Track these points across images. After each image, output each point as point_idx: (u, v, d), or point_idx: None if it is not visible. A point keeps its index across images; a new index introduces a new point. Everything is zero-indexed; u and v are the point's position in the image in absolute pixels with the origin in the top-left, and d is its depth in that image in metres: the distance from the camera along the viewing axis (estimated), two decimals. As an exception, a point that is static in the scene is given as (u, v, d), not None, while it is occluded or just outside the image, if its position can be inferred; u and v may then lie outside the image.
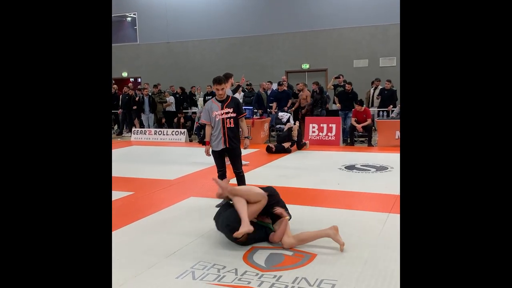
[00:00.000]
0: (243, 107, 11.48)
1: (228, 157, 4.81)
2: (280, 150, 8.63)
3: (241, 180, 4.80)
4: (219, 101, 4.66)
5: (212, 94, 12.61)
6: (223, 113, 4.61)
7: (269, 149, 8.62)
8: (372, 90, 11.29)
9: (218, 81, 4.58)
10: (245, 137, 4.89)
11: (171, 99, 13.33)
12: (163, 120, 12.51)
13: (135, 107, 12.87)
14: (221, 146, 4.65)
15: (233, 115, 4.64)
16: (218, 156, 4.76)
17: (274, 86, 12.40)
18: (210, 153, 4.79)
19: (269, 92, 11.87)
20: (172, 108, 13.27)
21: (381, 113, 10.47)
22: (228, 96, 4.70)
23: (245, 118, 11.31)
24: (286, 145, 8.79)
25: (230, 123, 4.63)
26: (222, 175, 4.84)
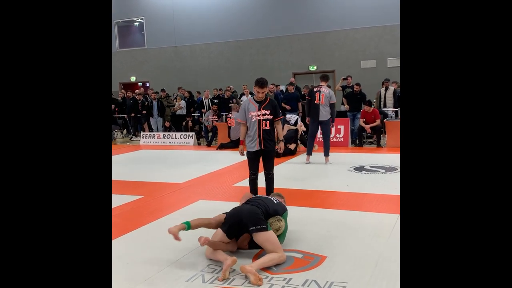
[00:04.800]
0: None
1: (262, 158, 4.71)
2: (287, 153, 8.57)
3: (269, 183, 4.72)
4: (257, 102, 4.58)
5: (219, 97, 12.71)
6: (260, 114, 4.52)
7: (277, 154, 8.57)
8: (383, 91, 11.17)
9: (261, 84, 4.46)
10: (279, 140, 4.74)
11: (182, 103, 13.34)
12: (167, 124, 12.55)
13: (144, 112, 12.97)
14: (255, 148, 4.58)
15: (270, 117, 4.55)
16: (253, 158, 4.66)
17: (282, 88, 12.40)
18: (244, 154, 4.71)
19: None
20: (183, 111, 13.29)
21: (390, 113, 10.40)
22: (266, 97, 4.61)
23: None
24: (292, 146, 8.73)
25: (266, 125, 4.54)
26: (255, 178, 4.72)
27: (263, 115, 4.52)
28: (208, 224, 3.45)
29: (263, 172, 4.75)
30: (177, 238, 3.22)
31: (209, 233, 3.44)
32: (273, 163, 4.75)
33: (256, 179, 4.75)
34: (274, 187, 4.74)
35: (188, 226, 3.34)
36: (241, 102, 11.97)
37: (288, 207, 3.84)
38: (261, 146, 4.56)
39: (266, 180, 4.74)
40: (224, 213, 3.48)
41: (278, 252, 3.15)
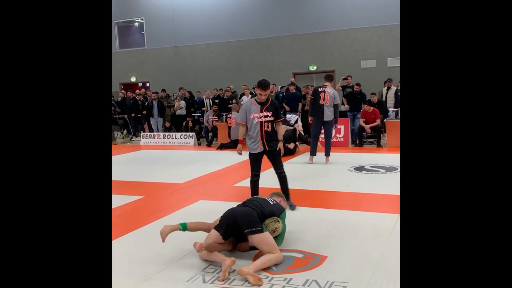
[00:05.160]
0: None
1: (268, 159, 4.67)
2: (286, 153, 8.50)
3: (282, 181, 4.67)
4: (259, 103, 4.54)
5: (219, 97, 12.72)
6: (262, 116, 4.48)
7: None
8: (385, 90, 11.17)
9: (263, 86, 4.40)
10: (279, 141, 4.70)
11: (182, 103, 13.36)
12: (168, 124, 12.57)
13: (144, 112, 12.97)
14: (258, 149, 4.54)
15: (271, 118, 4.50)
16: (256, 158, 4.62)
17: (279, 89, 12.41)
18: (242, 153, 4.71)
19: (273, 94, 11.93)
20: (183, 112, 13.30)
21: (390, 113, 10.40)
22: (268, 99, 4.56)
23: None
24: (291, 146, 8.70)
25: (267, 127, 4.49)
26: (256, 181, 4.68)
27: (265, 116, 4.48)
28: (207, 229, 3.45)
29: (262, 173, 4.73)
30: (163, 238, 3.29)
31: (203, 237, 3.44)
32: (281, 160, 4.69)
33: (257, 180, 4.71)
34: (276, 188, 4.69)
35: (184, 227, 3.36)
36: (242, 102, 11.98)
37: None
38: (265, 147, 4.53)
39: (279, 179, 4.68)
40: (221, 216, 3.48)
41: (275, 253, 3.15)
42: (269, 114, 4.50)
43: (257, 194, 4.64)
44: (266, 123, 4.50)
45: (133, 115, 13.45)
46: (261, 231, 3.18)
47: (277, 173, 4.69)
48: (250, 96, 12.28)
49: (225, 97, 12.50)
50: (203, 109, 12.65)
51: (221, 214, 3.56)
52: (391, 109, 10.67)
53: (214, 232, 3.28)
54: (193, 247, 3.52)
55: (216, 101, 12.55)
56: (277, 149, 4.63)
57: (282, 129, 4.68)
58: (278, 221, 3.40)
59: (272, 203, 3.54)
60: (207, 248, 3.22)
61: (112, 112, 13.81)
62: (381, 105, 10.33)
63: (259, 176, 4.72)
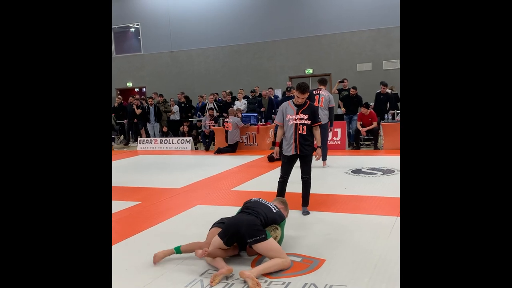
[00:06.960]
0: (247, 114, 11.43)
1: (299, 162, 4.63)
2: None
3: (306, 186, 4.65)
4: (296, 105, 4.50)
5: (222, 101, 12.71)
6: (297, 118, 4.44)
7: (271, 158, 8.21)
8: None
9: (302, 90, 4.37)
10: (317, 147, 4.64)
11: (175, 108, 13.35)
12: (165, 129, 12.55)
13: (139, 110, 12.89)
14: (291, 152, 4.50)
15: (307, 122, 4.44)
16: (287, 161, 4.59)
17: (277, 92, 12.42)
18: (279, 156, 4.66)
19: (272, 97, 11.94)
20: (176, 117, 13.29)
21: (385, 116, 10.45)
22: (305, 102, 4.52)
23: (250, 125, 11.12)
24: None
25: (302, 130, 4.44)
26: (283, 182, 4.64)
27: (301, 119, 4.43)
28: (201, 248, 3.42)
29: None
30: (154, 262, 3.36)
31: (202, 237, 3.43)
32: (310, 167, 4.63)
33: (284, 182, 4.65)
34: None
35: (177, 251, 3.42)
36: (236, 108, 11.98)
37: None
38: (297, 151, 4.48)
39: (302, 183, 4.67)
40: (216, 226, 3.48)
41: (282, 258, 3.15)
42: (305, 117, 4.45)
43: (283, 196, 4.58)
44: (301, 126, 4.44)
45: (135, 120, 13.41)
46: (265, 238, 3.17)
47: (302, 177, 4.65)
48: (243, 100, 12.34)
49: (227, 101, 12.58)
50: (205, 114, 12.67)
51: (216, 220, 3.58)
52: (390, 112, 10.73)
53: (217, 239, 3.28)
54: (191, 253, 3.53)
55: (221, 104, 12.57)
56: (312, 154, 4.56)
57: (319, 134, 4.60)
58: (277, 229, 3.41)
59: (275, 210, 3.50)
60: (210, 255, 3.23)
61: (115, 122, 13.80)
62: (388, 100, 10.42)
63: (287, 179, 4.66)
